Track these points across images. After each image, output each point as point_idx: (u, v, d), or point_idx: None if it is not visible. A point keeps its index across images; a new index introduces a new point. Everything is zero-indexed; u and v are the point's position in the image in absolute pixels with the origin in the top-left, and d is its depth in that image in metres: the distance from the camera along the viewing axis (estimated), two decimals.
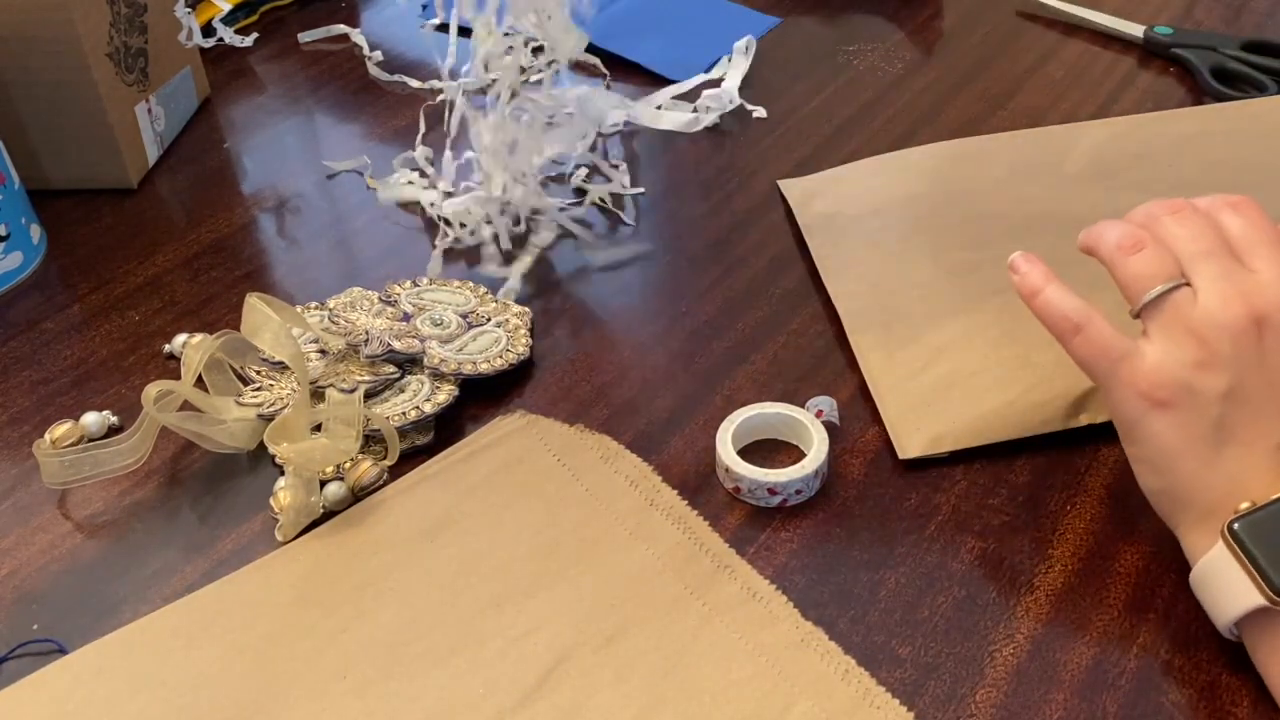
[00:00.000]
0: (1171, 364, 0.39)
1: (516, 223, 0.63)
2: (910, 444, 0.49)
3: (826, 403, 0.50)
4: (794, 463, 0.47)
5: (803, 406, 0.50)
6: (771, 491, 0.47)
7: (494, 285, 0.59)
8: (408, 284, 0.58)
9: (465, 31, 0.87)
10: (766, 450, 0.50)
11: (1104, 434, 0.49)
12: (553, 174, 0.68)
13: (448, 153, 0.65)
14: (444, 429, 0.51)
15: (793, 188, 0.66)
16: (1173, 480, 0.40)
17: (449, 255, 0.62)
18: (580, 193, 0.66)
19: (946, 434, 0.49)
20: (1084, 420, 0.49)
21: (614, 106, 0.71)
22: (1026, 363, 0.51)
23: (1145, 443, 0.40)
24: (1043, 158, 0.65)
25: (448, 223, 0.63)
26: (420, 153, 0.70)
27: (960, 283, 0.56)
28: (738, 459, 0.47)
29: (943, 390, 0.51)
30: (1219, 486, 0.39)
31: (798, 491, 0.47)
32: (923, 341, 0.53)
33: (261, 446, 0.50)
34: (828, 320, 0.57)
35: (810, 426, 0.49)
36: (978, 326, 0.53)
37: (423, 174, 0.69)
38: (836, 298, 0.57)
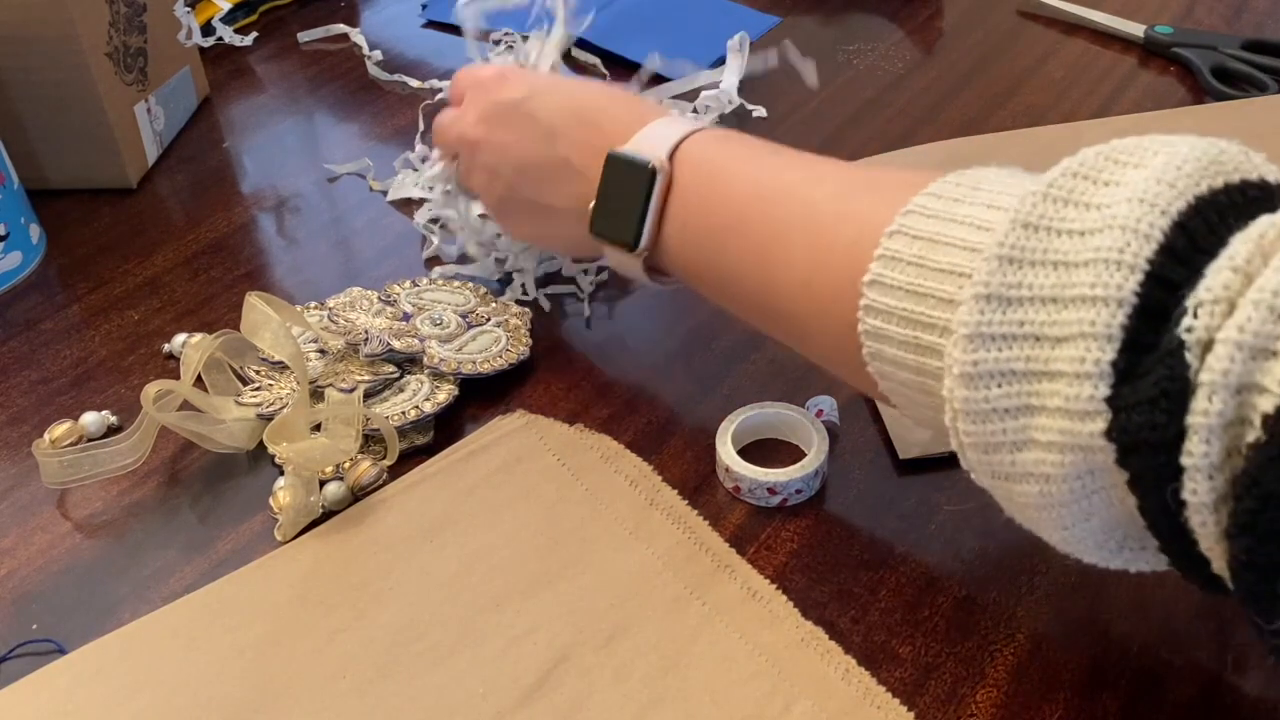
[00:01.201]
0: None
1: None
2: (910, 444, 0.49)
3: (827, 402, 0.50)
4: (794, 462, 0.47)
5: (803, 406, 0.50)
6: (771, 491, 0.47)
7: (496, 287, 0.59)
8: (407, 284, 0.58)
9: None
10: (766, 450, 0.49)
11: None
12: None
13: (433, 155, 0.65)
14: (444, 429, 0.51)
15: None
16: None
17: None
18: None
19: (946, 434, 0.49)
20: None
21: None
22: None
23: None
24: (1042, 156, 0.65)
25: (431, 230, 0.63)
26: (419, 152, 0.70)
27: None
28: (738, 459, 0.47)
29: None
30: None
31: (798, 491, 0.47)
32: None
33: (261, 446, 0.50)
34: None
35: (810, 426, 0.49)
36: None
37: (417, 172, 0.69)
38: None
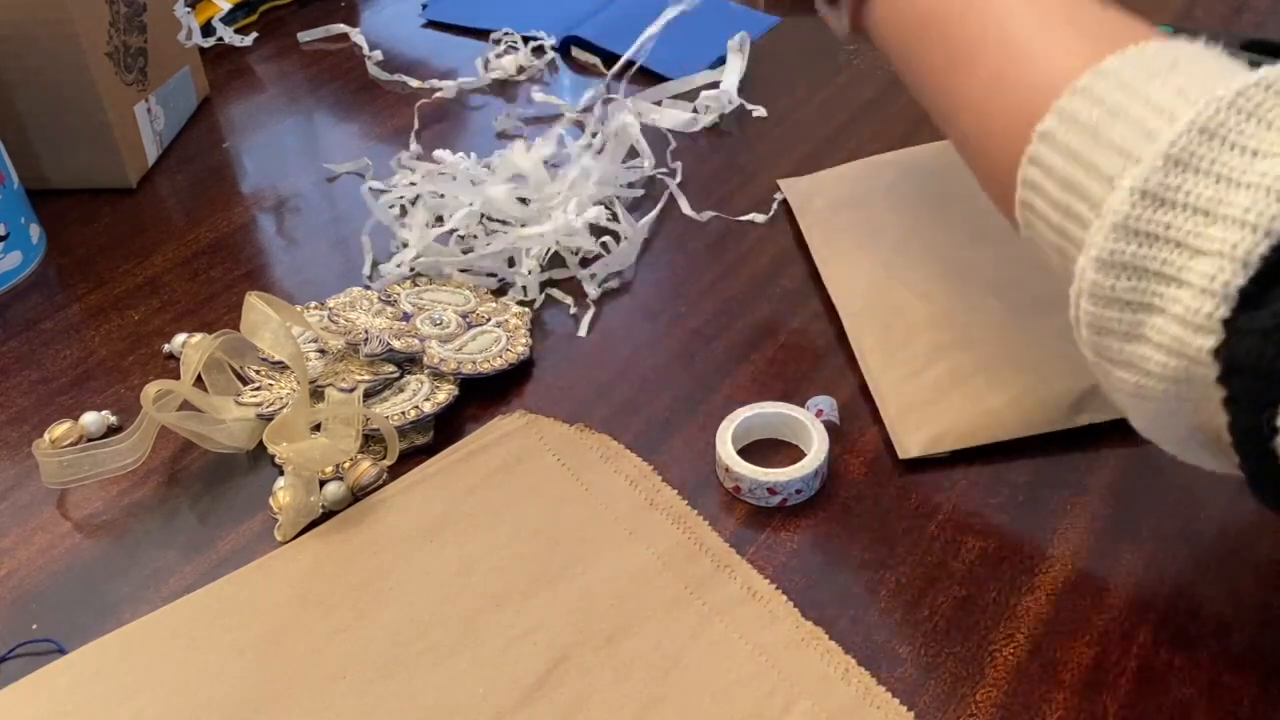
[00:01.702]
0: None
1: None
2: (910, 444, 0.49)
3: (827, 402, 0.50)
4: (794, 462, 0.47)
5: (803, 406, 0.50)
6: (771, 491, 0.47)
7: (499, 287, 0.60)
8: (407, 284, 0.58)
9: (464, 31, 0.87)
10: (766, 450, 0.49)
11: (1104, 434, 0.49)
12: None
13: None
14: (444, 429, 0.51)
15: (793, 187, 0.66)
16: None
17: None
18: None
19: (947, 433, 0.49)
20: (1084, 420, 0.49)
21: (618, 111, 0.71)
22: (1026, 362, 0.51)
23: None
24: None
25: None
26: (414, 150, 0.70)
27: (960, 282, 0.56)
28: (738, 459, 0.47)
29: (943, 390, 0.50)
30: None
31: (798, 491, 0.47)
32: (922, 341, 0.53)
33: (261, 446, 0.50)
34: (828, 320, 0.57)
35: (810, 426, 0.49)
36: (978, 326, 0.53)
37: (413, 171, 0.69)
38: (836, 297, 0.57)
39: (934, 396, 0.50)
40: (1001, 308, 0.53)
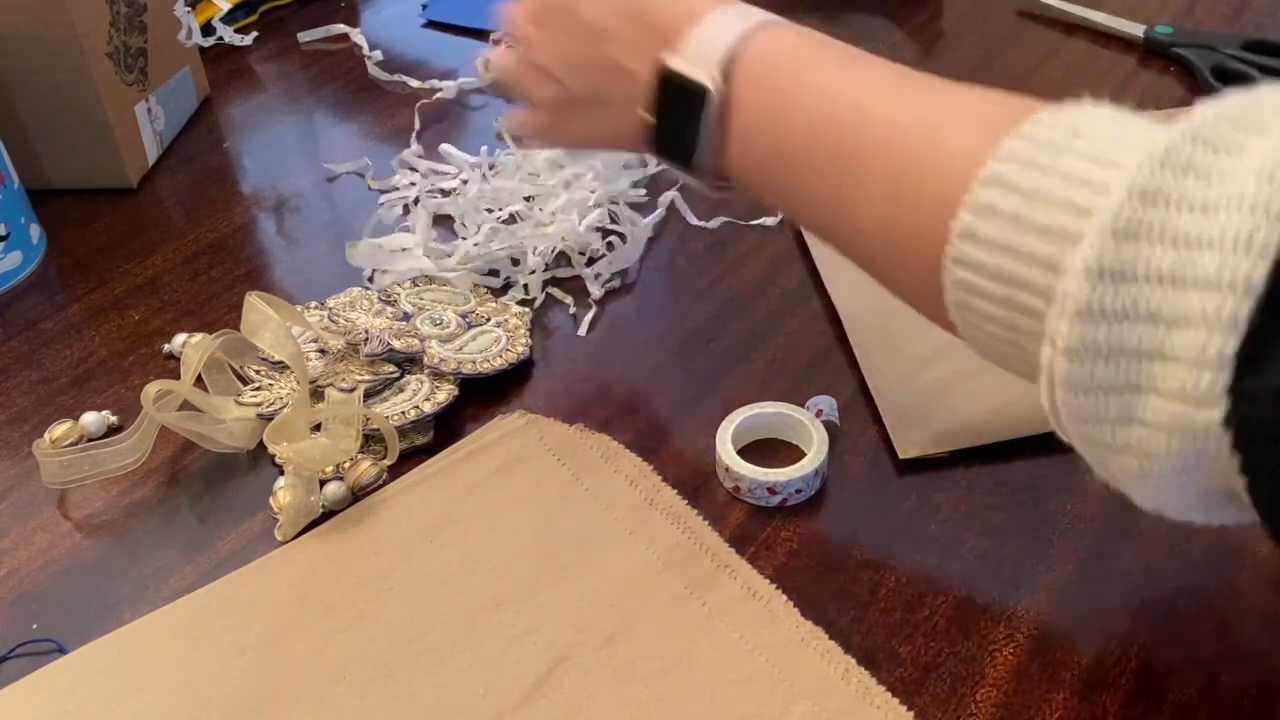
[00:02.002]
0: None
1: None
2: (910, 444, 0.49)
3: (826, 402, 0.50)
4: (793, 462, 0.47)
5: (802, 406, 0.50)
6: (771, 491, 0.47)
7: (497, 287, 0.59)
8: (408, 284, 0.58)
9: (464, 31, 0.87)
10: (766, 450, 0.49)
11: None
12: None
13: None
14: (444, 429, 0.51)
15: None
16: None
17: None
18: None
19: (946, 434, 0.49)
20: None
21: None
22: None
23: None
24: None
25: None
26: (414, 149, 0.70)
27: None
28: (738, 458, 0.47)
29: (942, 390, 0.50)
30: None
31: (798, 491, 0.47)
32: (922, 341, 0.53)
33: (261, 446, 0.50)
34: (828, 320, 0.57)
35: (810, 426, 0.49)
36: None
37: (414, 170, 0.69)
38: (836, 297, 0.57)
39: (934, 397, 0.50)
40: None
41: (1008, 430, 0.49)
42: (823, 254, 0.60)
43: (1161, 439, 0.31)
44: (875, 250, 0.39)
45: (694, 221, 0.64)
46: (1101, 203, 0.31)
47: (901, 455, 0.49)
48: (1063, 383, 0.32)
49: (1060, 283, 0.31)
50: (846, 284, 0.58)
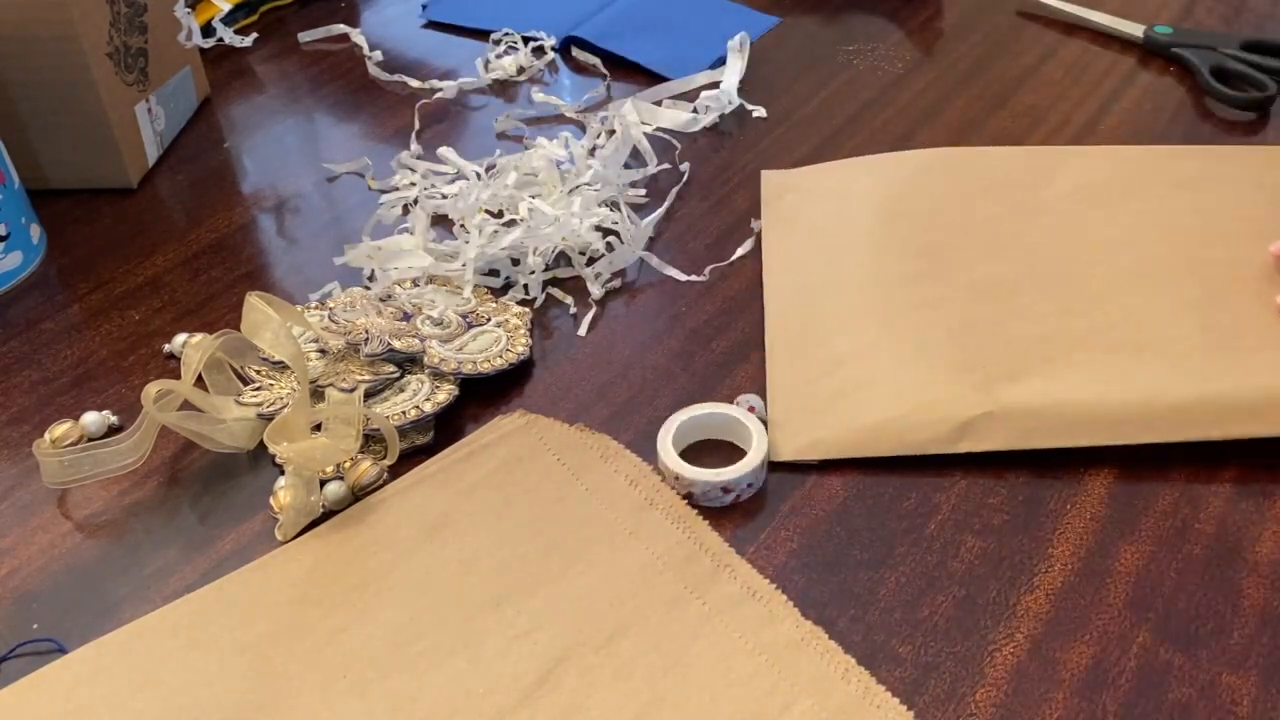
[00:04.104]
0: None
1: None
2: (785, 448, 0.49)
3: (755, 400, 0.51)
4: (729, 459, 0.48)
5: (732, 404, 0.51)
6: (726, 490, 0.47)
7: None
8: (408, 284, 0.58)
9: (465, 31, 0.87)
10: (694, 452, 0.50)
11: None
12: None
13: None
14: (444, 429, 0.51)
15: (771, 179, 0.66)
16: None
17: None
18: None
19: (822, 442, 0.49)
20: (965, 447, 0.48)
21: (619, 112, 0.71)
22: (921, 382, 0.50)
23: None
24: (1026, 178, 0.63)
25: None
26: (414, 150, 0.70)
27: (891, 292, 0.55)
28: (686, 465, 0.47)
29: (832, 398, 0.51)
30: None
31: (749, 485, 0.47)
32: (830, 347, 0.53)
33: (261, 446, 0.50)
34: None
35: (745, 421, 0.49)
36: (889, 339, 0.53)
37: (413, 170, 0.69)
38: (768, 294, 0.57)
39: (822, 405, 0.50)
40: (922, 323, 0.53)
41: (886, 446, 0.49)
42: (771, 249, 0.60)
43: None
44: None
45: (694, 221, 0.64)
46: None
47: (773, 458, 0.49)
48: None
49: None
50: (783, 280, 0.58)
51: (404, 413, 0.50)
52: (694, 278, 0.60)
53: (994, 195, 0.61)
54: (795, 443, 0.49)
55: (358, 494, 0.48)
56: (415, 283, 0.58)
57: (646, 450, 0.50)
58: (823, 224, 0.61)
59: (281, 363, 0.52)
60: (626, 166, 0.68)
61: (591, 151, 0.69)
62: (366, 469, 0.48)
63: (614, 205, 0.64)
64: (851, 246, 0.59)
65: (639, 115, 0.71)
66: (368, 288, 0.59)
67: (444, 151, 0.69)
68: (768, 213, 0.63)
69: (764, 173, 0.67)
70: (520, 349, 0.54)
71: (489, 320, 0.56)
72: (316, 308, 0.56)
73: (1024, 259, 0.56)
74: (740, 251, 0.62)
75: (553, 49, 0.82)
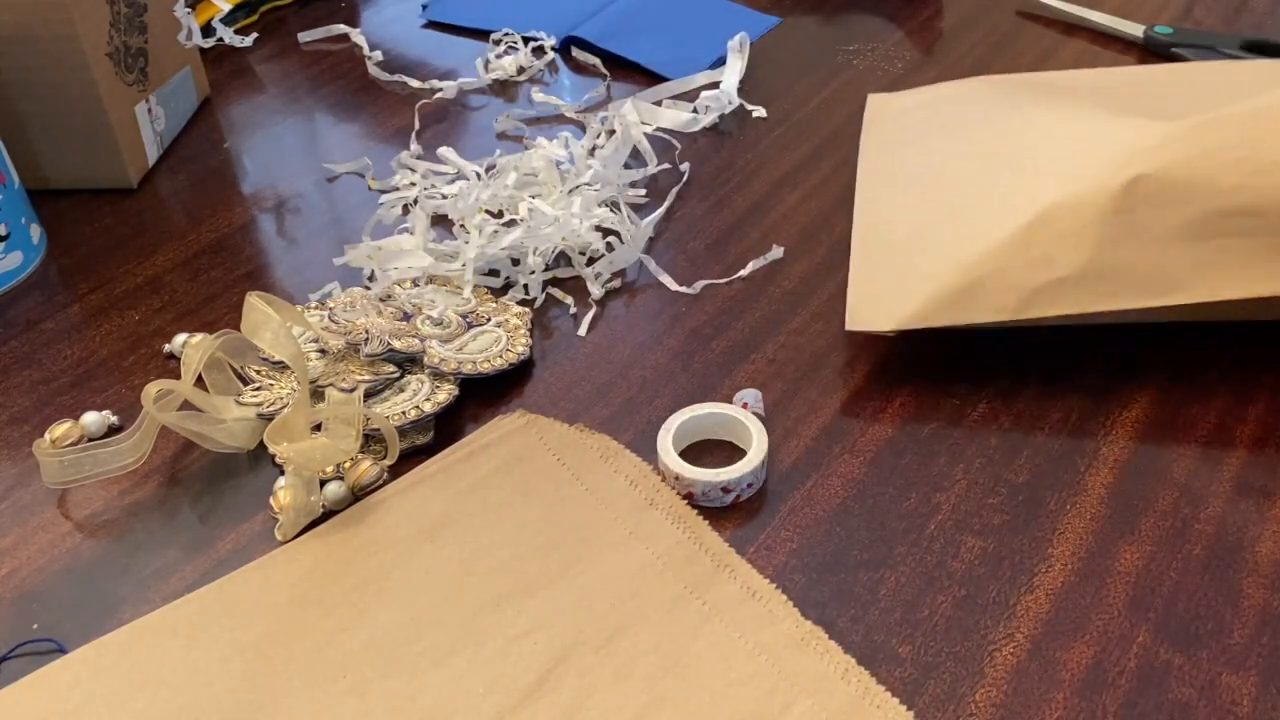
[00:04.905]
0: None
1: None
2: (857, 319, 0.52)
3: (752, 395, 0.51)
4: (729, 459, 0.48)
5: (730, 403, 0.51)
6: (726, 490, 0.47)
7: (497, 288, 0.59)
8: (408, 284, 0.58)
9: (464, 31, 0.87)
10: (694, 452, 0.50)
11: (1104, 434, 0.49)
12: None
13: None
14: (444, 429, 0.51)
15: (875, 101, 0.69)
16: None
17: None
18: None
19: (892, 314, 0.51)
20: (1034, 312, 0.49)
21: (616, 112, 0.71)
22: (991, 254, 0.51)
23: None
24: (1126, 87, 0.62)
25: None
26: (414, 150, 0.70)
27: (971, 187, 0.56)
28: (686, 465, 0.47)
29: (902, 277, 0.52)
30: None
31: (749, 485, 0.47)
32: (909, 236, 0.55)
33: (261, 446, 0.50)
34: (828, 319, 0.57)
35: (744, 420, 0.49)
36: (965, 221, 0.53)
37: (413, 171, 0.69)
38: (859, 202, 0.59)
39: (893, 284, 0.52)
40: (999, 212, 0.53)
41: (950, 316, 0.50)
42: (871, 146, 0.64)
43: None
44: None
45: (694, 222, 0.64)
46: None
47: (849, 327, 0.51)
48: None
49: None
50: (876, 178, 0.60)
51: (404, 413, 0.50)
52: (684, 289, 0.60)
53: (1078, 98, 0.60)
54: (866, 315, 0.51)
55: (358, 494, 0.48)
56: (415, 283, 0.58)
57: (646, 450, 0.50)
58: (919, 133, 0.63)
59: (281, 363, 0.52)
60: (626, 166, 0.68)
61: (591, 151, 0.69)
62: (366, 469, 0.48)
63: (614, 205, 0.64)
64: (939, 149, 0.60)
65: (639, 115, 0.71)
66: (368, 288, 0.59)
67: (444, 151, 0.69)
68: (868, 133, 0.66)
69: (870, 95, 0.71)
70: (520, 349, 0.54)
71: (489, 320, 0.56)
72: (316, 308, 0.56)
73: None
74: (743, 272, 0.62)
75: (553, 49, 0.82)
